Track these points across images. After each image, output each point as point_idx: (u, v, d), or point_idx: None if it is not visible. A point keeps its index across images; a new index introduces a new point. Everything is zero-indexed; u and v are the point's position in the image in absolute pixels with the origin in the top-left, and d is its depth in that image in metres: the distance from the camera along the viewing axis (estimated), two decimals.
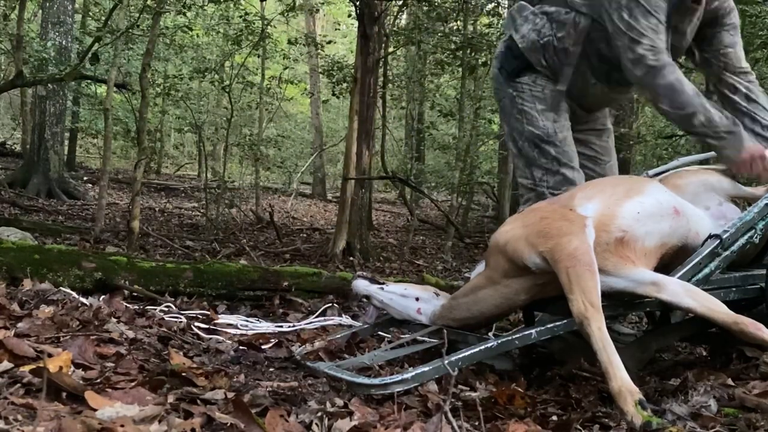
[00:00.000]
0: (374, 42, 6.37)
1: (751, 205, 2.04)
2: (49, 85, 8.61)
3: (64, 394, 1.27)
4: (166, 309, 2.67)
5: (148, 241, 6.09)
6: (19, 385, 1.29)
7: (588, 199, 1.94)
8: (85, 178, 12.30)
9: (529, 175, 2.42)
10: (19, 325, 1.86)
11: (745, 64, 2.41)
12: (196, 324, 2.43)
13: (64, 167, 10.63)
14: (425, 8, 8.03)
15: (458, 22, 8.95)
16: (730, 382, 1.73)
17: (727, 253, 1.91)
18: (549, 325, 1.81)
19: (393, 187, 14.73)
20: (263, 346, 2.19)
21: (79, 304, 2.43)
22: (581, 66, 2.35)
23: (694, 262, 1.87)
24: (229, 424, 1.24)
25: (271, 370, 1.89)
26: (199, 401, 1.38)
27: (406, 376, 1.66)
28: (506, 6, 8.56)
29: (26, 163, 10.31)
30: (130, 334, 2.00)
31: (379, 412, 1.50)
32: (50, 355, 1.51)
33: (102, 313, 2.26)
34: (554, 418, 1.59)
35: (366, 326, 2.29)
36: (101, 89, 13.35)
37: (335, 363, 1.92)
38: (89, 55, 7.22)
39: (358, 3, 6.27)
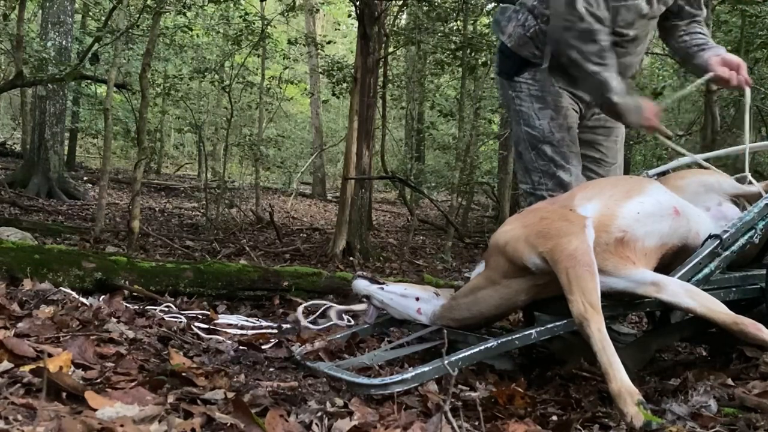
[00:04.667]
0: (374, 42, 6.37)
1: (751, 205, 2.04)
2: (49, 85, 8.60)
3: (64, 394, 1.27)
4: (166, 309, 2.67)
5: (148, 241, 6.09)
6: (19, 385, 1.29)
7: (588, 200, 1.94)
8: (85, 178, 12.31)
9: (528, 180, 2.42)
10: (19, 325, 1.86)
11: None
12: (196, 324, 2.43)
13: (64, 167, 10.64)
14: (425, 8, 8.03)
15: (458, 22, 8.95)
16: (730, 382, 1.73)
17: (727, 253, 1.91)
18: (549, 325, 1.81)
19: (393, 187, 14.74)
20: (263, 346, 2.19)
21: (79, 304, 2.43)
22: None
23: (694, 262, 1.87)
24: (229, 424, 1.24)
25: (271, 370, 1.89)
26: (199, 401, 1.38)
27: (406, 376, 1.66)
28: None
29: (26, 163, 10.31)
30: (130, 334, 2.00)
31: (379, 412, 1.50)
32: (50, 355, 1.51)
33: (102, 313, 2.26)
34: (554, 418, 1.59)
35: (366, 326, 2.29)
36: (101, 89, 13.37)
37: (335, 363, 1.92)
38: (89, 55, 7.23)
39: (358, 3, 6.27)
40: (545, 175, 2.35)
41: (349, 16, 9.88)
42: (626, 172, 2.76)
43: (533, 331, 1.81)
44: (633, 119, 2.23)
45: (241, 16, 8.89)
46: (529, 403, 1.66)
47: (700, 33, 2.45)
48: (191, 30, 9.75)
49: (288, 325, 2.59)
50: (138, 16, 7.28)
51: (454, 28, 8.90)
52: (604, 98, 2.25)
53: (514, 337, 1.81)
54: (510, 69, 2.41)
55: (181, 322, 2.44)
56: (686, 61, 2.50)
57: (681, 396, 1.66)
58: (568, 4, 2.17)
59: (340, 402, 1.50)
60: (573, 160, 2.35)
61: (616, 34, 2.27)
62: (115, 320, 2.19)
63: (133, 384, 1.43)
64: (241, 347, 2.11)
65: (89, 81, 11.24)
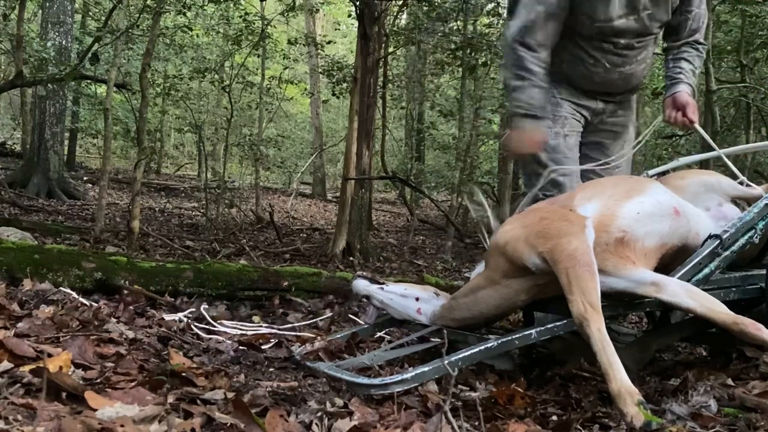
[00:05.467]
0: (374, 42, 6.36)
1: (751, 205, 2.04)
2: (49, 85, 8.60)
3: (64, 394, 1.27)
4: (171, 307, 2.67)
5: (148, 241, 6.09)
6: (19, 385, 1.29)
7: (588, 200, 1.94)
8: (85, 178, 12.30)
9: (530, 184, 2.51)
10: (19, 325, 1.86)
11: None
12: (196, 324, 2.43)
13: (64, 167, 10.63)
14: (425, 8, 8.03)
15: (458, 22, 8.95)
16: (730, 382, 1.74)
17: (727, 253, 1.91)
18: (549, 325, 1.81)
19: (393, 187, 14.74)
20: (263, 346, 2.19)
21: (79, 304, 2.43)
22: (575, 51, 2.41)
23: (694, 262, 1.87)
24: (229, 424, 1.24)
25: (271, 370, 1.89)
26: (199, 401, 1.38)
27: (406, 376, 1.66)
28: (506, 6, 8.56)
29: (26, 163, 10.31)
30: (130, 334, 2.00)
31: (379, 412, 1.50)
32: (50, 355, 1.51)
33: (102, 313, 2.26)
34: (554, 418, 1.59)
35: (366, 326, 2.29)
36: (101, 89, 13.36)
37: (335, 363, 1.92)
38: (89, 55, 7.23)
39: (358, 3, 6.27)
40: (542, 177, 2.42)
41: (349, 16, 9.88)
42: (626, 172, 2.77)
43: (533, 331, 1.81)
44: (512, 145, 2.43)
45: (241, 16, 8.89)
46: (529, 403, 1.66)
47: (683, 61, 2.49)
48: (191, 30, 9.75)
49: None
50: (138, 16, 7.28)
51: (454, 28, 8.90)
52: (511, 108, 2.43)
53: (514, 337, 1.81)
54: None
55: (181, 322, 2.44)
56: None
57: (681, 396, 1.66)
58: (506, 31, 2.42)
59: (340, 402, 1.50)
60: (567, 164, 2.43)
61: (610, 42, 2.37)
62: (115, 320, 2.19)
63: (133, 384, 1.43)
64: (241, 347, 2.11)
65: (89, 81, 11.23)
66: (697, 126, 2.42)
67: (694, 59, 2.51)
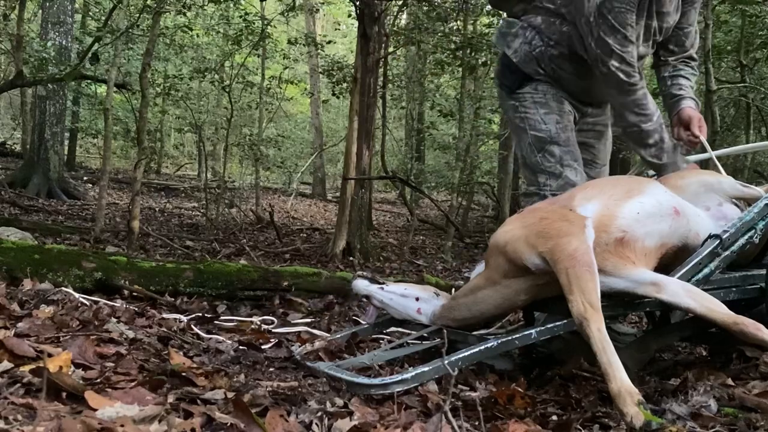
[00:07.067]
0: (374, 42, 6.36)
1: (751, 206, 2.04)
2: (49, 85, 8.61)
3: (64, 394, 1.27)
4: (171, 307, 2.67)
5: (148, 241, 6.09)
6: (19, 385, 1.29)
7: (588, 200, 1.94)
8: (85, 178, 12.31)
9: (535, 182, 2.44)
10: (19, 325, 1.86)
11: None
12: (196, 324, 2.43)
13: (64, 167, 10.64)
14: (425, 8, 8.03)
15: (458, 22, 8.95)
16: (730, 382, 1.73)
17: (726, 253, 1.91)
18: (549, 325, 1.81)
19: (393, 187, 14.74)
20: (263, 346, 2.19)
21: (79, 304, 2.43)
22: (579, 68, 2.38)
23: (694, 262, 1.87)
24: (229, 424, 1.24)
25: (271, 370, 1.89)
26: (199, 401, 1.37)
27: (406, 376, 1.66)
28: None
29: (26, 163, 10.32)
30: (130, 334, 2.00)
31: (379, 412, 1.50)
32: (50, 355, 1.51)
33: (102, 313, 2.26)
34: (554, 418, 1.59)
35: (366, 326, 2.29)
36: (101, 89, 13.38)
37: (335, 363, 1.92)
38: (89, 55, 7.23)
39: (358, 3, 6.27)
40: (551, 176, 2.38)
41: (349, 16, 9.89)
42: (626, 172, 2.77)
43: (533, 331, 1.81)
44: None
45: (241, 16, 8.89)
46: (529, 403, 1.66)
47: (682, 78, 2.47)
48: (191, 30, 9.76)
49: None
50: (138, 16, 7.28)
51: (454, 28, 8.90)
52: (644, 146, 2.32)
53: (514, 337, 1.81)
54: (512, 83, 2.47)
55: (181, 322, 2.44)
56: (665, 107, 2.56)
57: (681, 396, 1.66)
58: (600, 60, 2.24)
59: (340, 402, 1.50)
60: (580, 158, 2.41)
61: None
62: (115, 320, 2.19)
63: (133, 384, 1.43)
64: (241, 347, 2.11)
65: (89, 81, 11.25)
66: (702, 138, 2.38)
67: (690, 77, 2.49)
